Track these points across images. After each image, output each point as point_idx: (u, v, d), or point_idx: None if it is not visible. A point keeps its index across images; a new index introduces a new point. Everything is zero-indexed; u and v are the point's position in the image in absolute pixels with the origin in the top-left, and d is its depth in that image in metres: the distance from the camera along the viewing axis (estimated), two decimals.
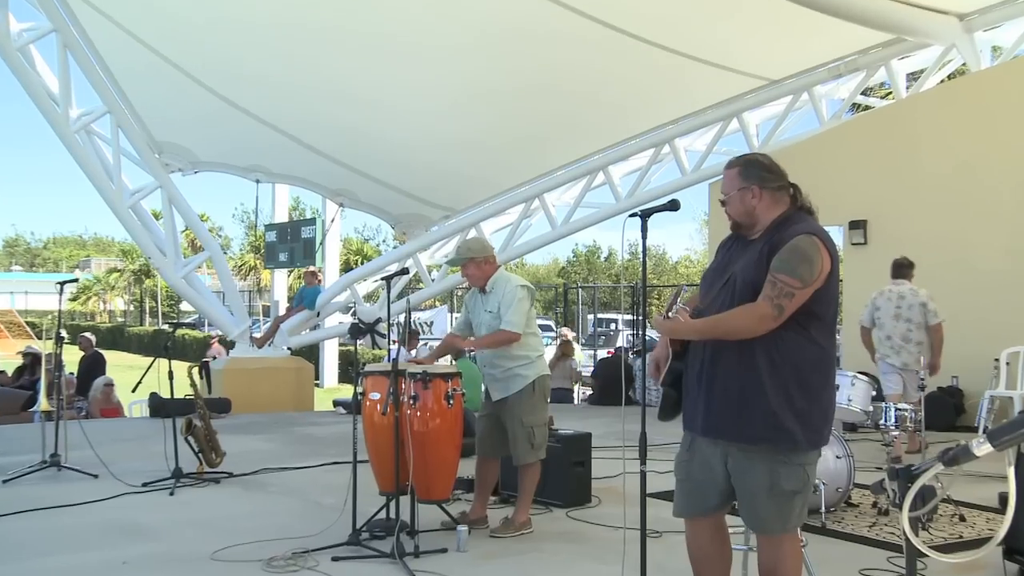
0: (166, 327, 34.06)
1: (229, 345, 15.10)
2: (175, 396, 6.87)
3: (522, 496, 5.45)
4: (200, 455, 7.18)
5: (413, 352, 12.91)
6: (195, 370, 7.49)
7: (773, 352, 3.04)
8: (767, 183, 3.22)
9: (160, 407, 10.34)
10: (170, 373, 6.72)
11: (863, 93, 13.01)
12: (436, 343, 8.88)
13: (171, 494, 6.47)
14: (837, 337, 17.09)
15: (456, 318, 7.43)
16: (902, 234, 10.71)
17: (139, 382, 7.11)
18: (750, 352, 3.05)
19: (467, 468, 6.00)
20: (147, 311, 53.50)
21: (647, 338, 11.41)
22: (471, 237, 8.66)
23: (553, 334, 22.41)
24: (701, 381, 3.17)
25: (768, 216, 3.21)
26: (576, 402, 13.84)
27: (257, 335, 14.02)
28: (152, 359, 7.06)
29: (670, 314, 3.19)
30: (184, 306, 41.80)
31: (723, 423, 3.11)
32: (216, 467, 7.23)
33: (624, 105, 11.69)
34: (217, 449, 7.31)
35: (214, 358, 15.47)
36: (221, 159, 13.13)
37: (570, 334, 15.47)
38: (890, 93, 14.14)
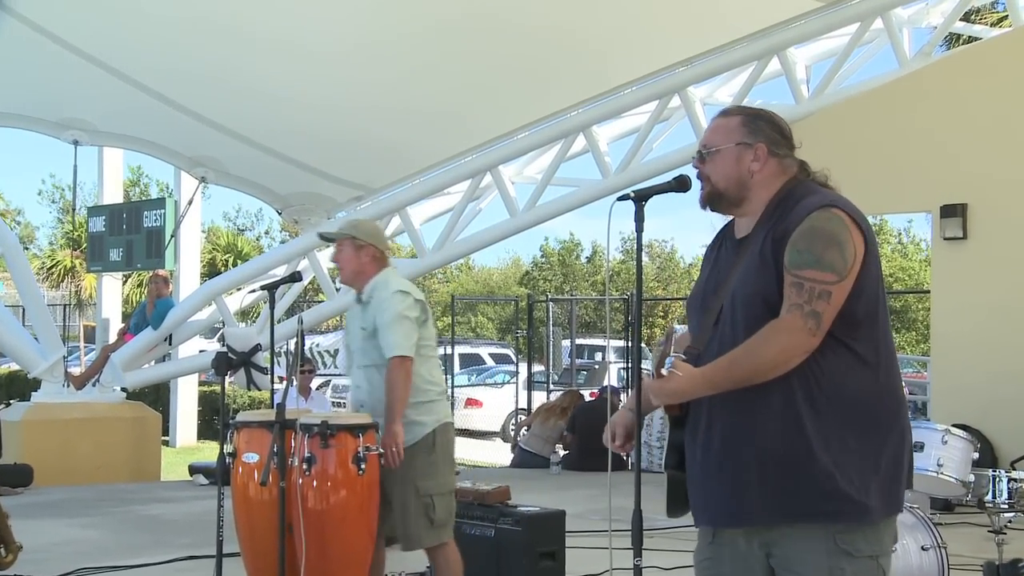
0: None
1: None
2: None
3: None
4: None
5: (314, 388, 12.84)
6: None
7: (812, 387, 3.04)
8: (777, 147, 3.27)
9: None
10: None
11: (964, 18, 13.14)
12: (345, 380, 8.85)
13: None
14: (924, 374, 17.22)
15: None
16: (1019, 225, 10.85)
17: None
18: (778, 395, 3.05)
19: (388, 562, 5.98)
20: None
21: (647, 373, 11.38)
22: (364, 218, 8.84)
23: (513, 367, 22.35)
24: (711, 451, 3.16)
25: (764, 194, 3.25)
26: (550, 466, 13.86)
27: (75, 370, 13.80)
28: None
29: (664, 371, 3.15)
30: None
31: (759, 504, 3.10)
32: (7, 567, 7.15)
33: (616, 37, 11.74)
34: (9, 541, 7.22)
35: (6, 404, 15.27)
36: (18, 109, 12.97)
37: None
38: (1005, 17, 14.37)
